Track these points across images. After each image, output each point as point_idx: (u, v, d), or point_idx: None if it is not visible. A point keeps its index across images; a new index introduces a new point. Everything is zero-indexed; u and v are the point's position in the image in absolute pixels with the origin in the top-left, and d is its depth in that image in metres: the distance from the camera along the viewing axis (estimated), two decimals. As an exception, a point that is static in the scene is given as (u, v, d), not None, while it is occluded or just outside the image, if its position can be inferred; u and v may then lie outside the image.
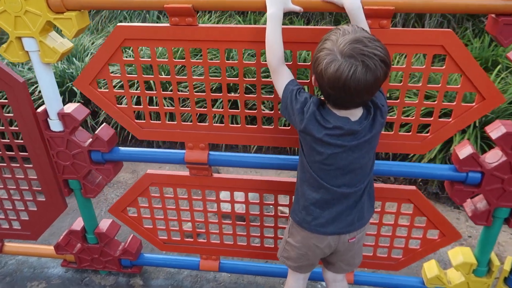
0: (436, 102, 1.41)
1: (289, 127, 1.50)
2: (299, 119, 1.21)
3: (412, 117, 1.47)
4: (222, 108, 1.53)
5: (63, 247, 1.97)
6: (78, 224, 1.94)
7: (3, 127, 1.70)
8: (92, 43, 3.76)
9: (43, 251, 2.09)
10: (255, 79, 1.43)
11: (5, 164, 1.81)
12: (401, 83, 1.38)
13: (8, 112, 1.64)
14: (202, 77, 1.46)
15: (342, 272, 1.55)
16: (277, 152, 2.94)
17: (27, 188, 1.85)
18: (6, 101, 1.61)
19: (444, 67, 1.33)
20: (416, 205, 1.64)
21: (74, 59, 3.44)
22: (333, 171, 1.25)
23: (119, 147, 1.70)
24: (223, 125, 1.55)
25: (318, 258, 1.47)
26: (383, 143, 1.49)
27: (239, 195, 1.87)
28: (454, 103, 1.39)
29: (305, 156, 1.29)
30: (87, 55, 3.55)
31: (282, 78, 1.25)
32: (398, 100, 1.42)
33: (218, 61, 1.42)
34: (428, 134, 1.47)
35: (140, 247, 2.03)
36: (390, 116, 1.42)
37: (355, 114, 1.20)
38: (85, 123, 3.11)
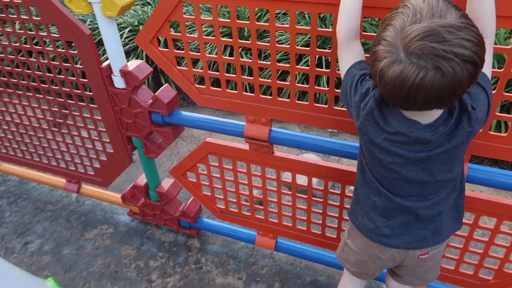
0: None
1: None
2: (355, 114, 0.95)
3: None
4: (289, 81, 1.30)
5: (128, 198, 2.02)
6: (142, 179, 1.94)
7: (74, 78, 1.70)
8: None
9: (112, 198, 2.18)
10: (330, 50, 1.16)
11: (78, 114, 1.84)
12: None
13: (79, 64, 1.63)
14: (268, 44, 1.24)
15: (410, 285, 1.30)
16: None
17: (98, 138, 1.89)
18: (76, 52, 1.58)
19: None
20: (523, 226, 1.28)
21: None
22: (396, 180, 0.99)
23: (181, 111, 1.60)
24: (288, 100, 1.33)
25: (380, 269, 1.25)
26: (491, 146, 1.15)
27: (302, 177, 1.68)
28: None
29: (364, 156, 1.04)
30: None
31: (347, 56, 0.98)
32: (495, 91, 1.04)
33: (287, 25, 1.18)
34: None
35: (199, 211, 1.98)
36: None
37: (430, 115, 0.90)
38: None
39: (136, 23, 3.21)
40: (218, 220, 2.02)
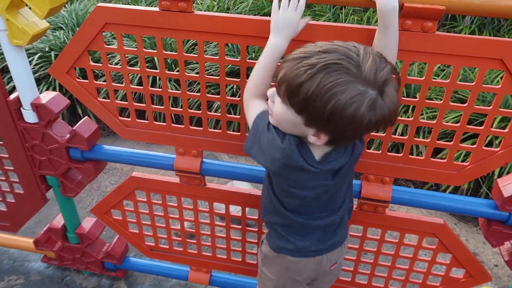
0: (483, 127, 1.13)
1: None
2: (272, 158, 0.95)
3: (449, 141, 1.20)
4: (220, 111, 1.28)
5: (42, 243, 1.80)
6: (59, 221, 1.76)
7: (-25, 112, 1.50)
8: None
9: (23, 244, 1.93)
10: (260, 81, 1.17)
11: (-21, 152, 1.62)
12: (442, 101, 1.11)
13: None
14: (197, 75, 1.21)
15: None
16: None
17: (4, 178, 1.67)
18: (-24, 84, 1.40)
19: (499, 86, 1.04)
20: (442, 240, 1.38)
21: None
22: (299, 206, 1.06)
23: (103, 145, 1.49)
24: (219, 131, 1.31)
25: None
26: (411, 169, 1.23)
27: (235, 207, 1.66)
28: (507, 130, 1.11)
29: (272, 186, 1.07)
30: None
31: (251, 111, 1.01)
32: (435, 121, 1.14)
33: (217, 57, 1.17)
34: (468, 163, 1.20)
35: (125, 251, 1.84)
36: (422, 139, 1.16)
37: None
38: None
39: (47, 49, 2.98)
40: (147, 258, 1.90)
